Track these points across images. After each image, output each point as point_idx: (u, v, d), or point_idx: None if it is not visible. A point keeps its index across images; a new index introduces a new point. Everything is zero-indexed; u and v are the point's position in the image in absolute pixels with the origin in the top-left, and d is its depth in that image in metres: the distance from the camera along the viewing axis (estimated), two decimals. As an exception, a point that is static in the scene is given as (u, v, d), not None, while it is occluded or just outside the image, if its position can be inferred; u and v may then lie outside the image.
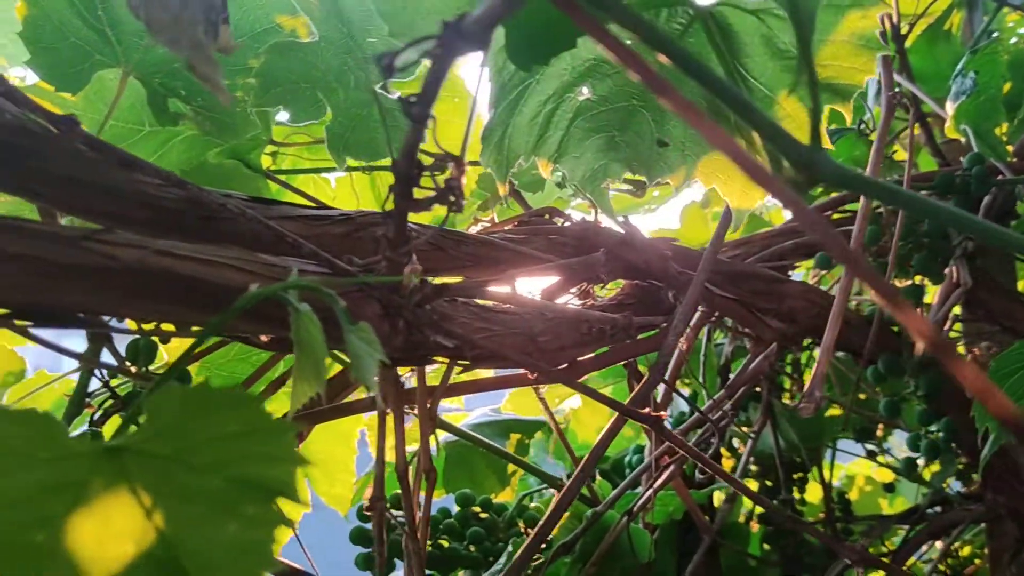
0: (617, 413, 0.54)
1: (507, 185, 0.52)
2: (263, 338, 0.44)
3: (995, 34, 1.24)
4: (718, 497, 1.00)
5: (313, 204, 0.58)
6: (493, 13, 0.23)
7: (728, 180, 0.49)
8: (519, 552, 0.53)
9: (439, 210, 0.57)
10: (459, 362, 0.56)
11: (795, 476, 1.14)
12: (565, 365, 0.61)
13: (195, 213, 0.42)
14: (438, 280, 0.59)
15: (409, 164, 0.34)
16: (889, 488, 1.27)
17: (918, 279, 0.83)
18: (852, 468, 1.40)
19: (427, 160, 0.37)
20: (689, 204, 1.11)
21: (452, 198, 0.35)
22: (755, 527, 1.16)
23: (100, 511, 0.24)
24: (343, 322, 0.35)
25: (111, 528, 0.24)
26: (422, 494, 0.63)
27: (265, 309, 0.39)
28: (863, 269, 0.25)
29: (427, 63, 0.32)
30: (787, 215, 1.24)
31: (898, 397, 0.79)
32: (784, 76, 0.44)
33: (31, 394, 0.57)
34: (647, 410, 0.51)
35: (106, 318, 0.43)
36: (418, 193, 0.37)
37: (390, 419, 0.54)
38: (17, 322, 0.38)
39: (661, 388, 0.84)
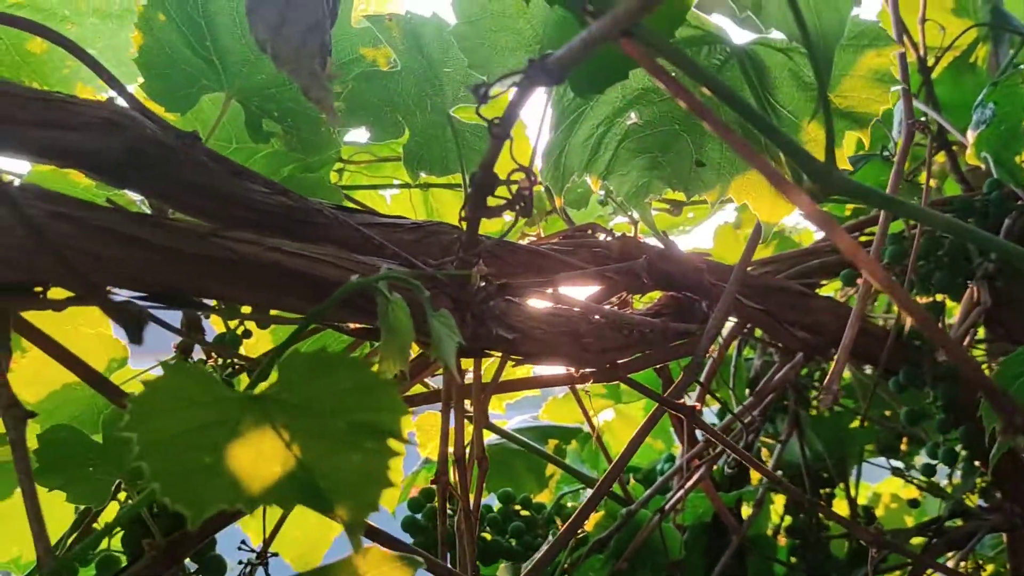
0: (655, 406, 0.60)
1: (561, 198, 0.58)
2: (351, 325, 0.51)
3: (1021, 66, 1.29)
4: (746, 511, 1.05)
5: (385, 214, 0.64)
6: (574, 55, 0.29)
7: (758, 196, 0.55)
8: (551, 541, 0.59)
9: (494, 223, 0.63)
10: (512, 357, 0.62)
11: (822, 491, 1.18)
12: (607, 366, 0.67)
13: (293, 217, 0.49)
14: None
15: (487, 175, 0.41)
16: (914, 504, 1.31)
17: (939, 297, 0.87)
18: (880, 487, 1.44)
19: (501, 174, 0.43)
20: (722, 225, 1.17)
21: (522, 204, 0.42)
22: (782, 541, 1.20)
23: (251, 442, 0.31)
24: (427, 309, 0.42)
25: (261, 454, 0.30)
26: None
27: (357, 300, 0.46)
28: (874, 269, 0.31)
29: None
30: (818, 235, 1.30)
31: (918, 408, 0.84)
32: (808, 105, 0.50)
33: (131, 379, 0.64)
34: (682, 401, 0.57)
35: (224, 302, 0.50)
36: (490, 201, 0.44)
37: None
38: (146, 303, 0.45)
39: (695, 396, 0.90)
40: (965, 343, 0.88)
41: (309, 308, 0.46)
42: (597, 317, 0.63)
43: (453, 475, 0.66)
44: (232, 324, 0.66)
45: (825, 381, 0.52)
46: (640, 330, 0.64)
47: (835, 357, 0.54)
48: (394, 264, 0.48)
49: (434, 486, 0.74)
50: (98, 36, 0.70)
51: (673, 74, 0.32)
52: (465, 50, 0.50)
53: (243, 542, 0.69)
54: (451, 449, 0.63)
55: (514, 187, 0.43)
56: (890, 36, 0.49)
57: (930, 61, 1.07)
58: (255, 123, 0.60)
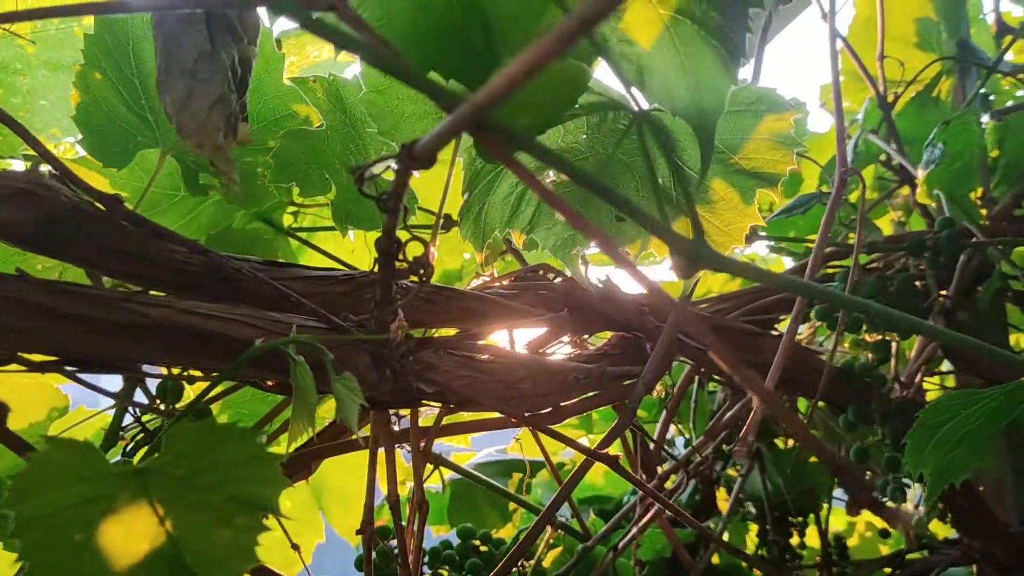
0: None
1: (483, 253, 0.59)
2: (269, 382, 0.52)
3: (991, 97, 1.30)
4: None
5: (322, 265, 0.65)
6: (435, 145, 0.30)
7: (676, 251, 0.56)
8: (498, 567, 0.60)
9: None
10: (449, 405, 0.63)
11: (795, 520, 1.18)
12: (549, 409, 0.68)
13: (214, 276, 0.50)
14: (436, 332, 0.66)
15: (388, 243, 0.42)
16: (884, 534, 1.31)
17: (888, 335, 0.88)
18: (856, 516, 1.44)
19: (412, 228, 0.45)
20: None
21: (422, 270, 0.43)
22: (757, 573, 1.20)
23: (125, 518, 0.32)
24: (330, 372, 0.43)
25: (132, 531, 0.31)
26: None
27: (269, 359, 0.47)
28: (715, 348, 0.32)
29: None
30: (787, 264, 1.30)
31: (867, 444, 0.84)
32: (715, 166, 0.51)
33: (72, 427, 0.65)
34: (606, 451, 0.57)
35: (140, 364, 0.51)
36: (398, 264, 0.45)
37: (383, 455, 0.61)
38: (67, 367, 0.46)
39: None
40: (917, 379, 0.89)
41: (226, 367, 0.47)
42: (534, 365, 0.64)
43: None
44: (174, 371, 0.68)
45: (742, 432, 0.52)
46: (575, 375, 0.65)
47: (754, 407, 0.54)
48: (312, 320, 0.49)
49: (389, 524, 0.75)
50: (49, 88, 0.72)
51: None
52: (374, 117, 0.52)
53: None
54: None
55: (418, 250, 0.44)
56: (788, 102, 0.50)
57: (891, 97, 1.08)
58: (191, 177, 0.61)
